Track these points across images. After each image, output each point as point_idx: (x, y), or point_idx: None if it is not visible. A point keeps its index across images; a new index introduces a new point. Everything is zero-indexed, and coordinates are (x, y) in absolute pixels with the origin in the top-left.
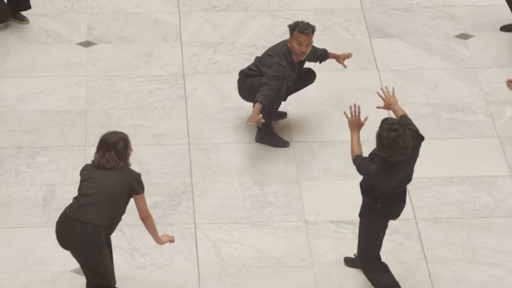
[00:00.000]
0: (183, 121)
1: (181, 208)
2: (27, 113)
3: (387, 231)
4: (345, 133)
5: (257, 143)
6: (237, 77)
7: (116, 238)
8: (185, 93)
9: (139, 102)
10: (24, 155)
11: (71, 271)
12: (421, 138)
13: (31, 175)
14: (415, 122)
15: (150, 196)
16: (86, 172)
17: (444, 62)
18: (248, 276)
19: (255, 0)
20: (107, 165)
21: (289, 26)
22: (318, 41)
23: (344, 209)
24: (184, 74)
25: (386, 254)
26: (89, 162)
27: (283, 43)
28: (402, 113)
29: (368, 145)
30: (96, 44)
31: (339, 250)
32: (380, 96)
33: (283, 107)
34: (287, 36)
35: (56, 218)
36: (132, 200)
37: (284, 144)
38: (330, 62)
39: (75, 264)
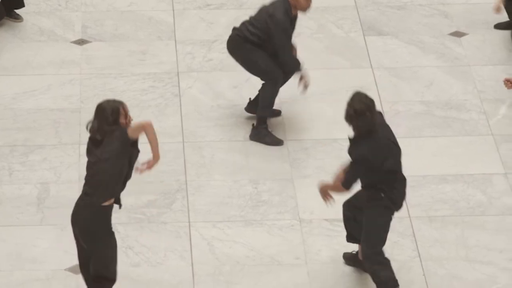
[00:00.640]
0: (177, 119)
1: (175, 207)
2: (21, 111)
3: None
4: (339, 131)
5: (251, 141)
6: (231, 74)
7: None
8: (179, 91)
9: (133, 100)
10: (18, 153)
11: (65, 270)
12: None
13: (25, 173)
14: (409, 120)
15: (144, 194)
16: (87, 154)
17: (438, 60)
18: (242, 274)
19: None
20: (98, 136)
21: None
22: (313, 39)
23: (338, 207)
24: (178, 72)
25: None
26: (83, 161)
27: (279, 1)
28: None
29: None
30: (90, 42)
31: (333, 248)
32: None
33: (277, 105)
34: None
35: (51, 216)
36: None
37: (278, 142)
38: (325, 59)
39: (70, 263)
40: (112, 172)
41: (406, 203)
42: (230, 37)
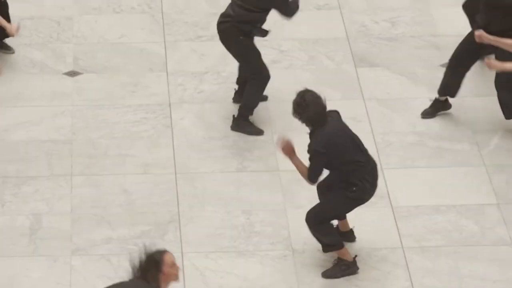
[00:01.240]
0: (169, 151)
1: (168, 237)
2: (13, 143)
3: (374, 259)
4: None
5: (242, 172)
6: (223, 105)
7: (102, 267)
8: (171, 123)
9: (125, 132)
10: (11, 185)
11: None
12: None
13: (17, 205)
14: (401, 151)
15: (136, 226)
16: None
17: (429, 91)
18: None
19: None
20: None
21: None
22: (304, 71)
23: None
24: (170, 104)
25: (373, 282)
26: (75, 192)
27: None
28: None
29: None
30: (82, 74)
31: (326, 279)
32: None
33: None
34: (274, 65)
35: (43, 247)
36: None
37: (258, 132)
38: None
39: None
40: None
41: (398, 233)
42: (223, 26)
